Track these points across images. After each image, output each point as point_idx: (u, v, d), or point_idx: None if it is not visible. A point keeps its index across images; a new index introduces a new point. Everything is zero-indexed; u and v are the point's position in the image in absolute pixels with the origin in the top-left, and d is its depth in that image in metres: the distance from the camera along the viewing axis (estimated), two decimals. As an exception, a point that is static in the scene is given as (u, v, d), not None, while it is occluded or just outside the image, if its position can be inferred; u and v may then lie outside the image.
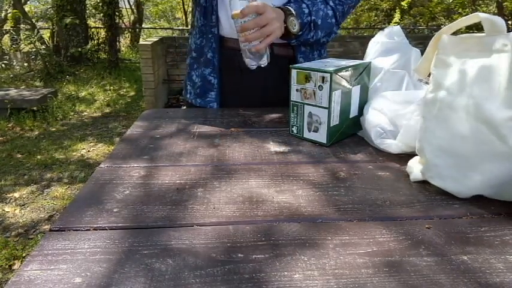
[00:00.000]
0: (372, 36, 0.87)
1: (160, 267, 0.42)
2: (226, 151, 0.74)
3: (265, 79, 1.08)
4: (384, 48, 0.81)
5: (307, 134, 0.78)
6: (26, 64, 6.80)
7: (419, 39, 5.40)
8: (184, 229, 0.48)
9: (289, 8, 0.95)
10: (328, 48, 1.26)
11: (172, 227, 0.49)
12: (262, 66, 0.93)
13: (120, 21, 7.92)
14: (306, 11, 0.97)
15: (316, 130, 0.76)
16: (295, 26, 0.95)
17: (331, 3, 1.02)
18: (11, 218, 2.36)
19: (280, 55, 1.05)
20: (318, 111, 0.74)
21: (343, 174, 0.64)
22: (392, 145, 0.70)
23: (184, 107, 1.28)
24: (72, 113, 4.70)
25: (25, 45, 7.32)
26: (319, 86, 0.72)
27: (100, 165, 0.68)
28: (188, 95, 1.17)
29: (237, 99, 1.10)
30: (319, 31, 1.01)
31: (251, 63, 0.92)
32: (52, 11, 7.25)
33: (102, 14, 7.09)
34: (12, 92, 4.64)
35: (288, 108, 0.80)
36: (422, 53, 0.65)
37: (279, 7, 0.94)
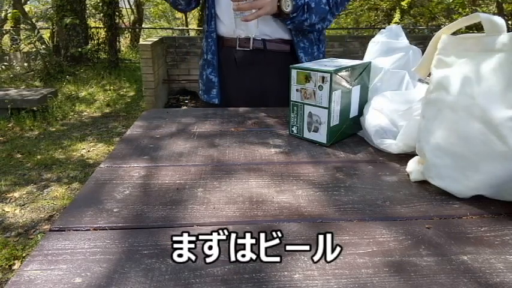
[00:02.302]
0: (372, 36, 0.87)
1: (160, 267, 0.42)
2: (226, 151, 0.74)
3: (262, 73, 1.19)
4: (384, 48, 0.81)
5: (307, 134, 0.78)
6: (26, 64, 6.80)
7: (419, 39, 5.40)
8: (184, 229, 0.48)
9: None
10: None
11: (172, 227, 0.49)
12: (251, 37, 1.12)
13: (120, 21, 7.91)
14: None
15: (316, 130, 0.76)
16: (288, 6, 1.04)
17: None
18: (11, 218, 2.36)
19: (275, 51, 1.16)
20: (318, 111, 0.74)
21: (343, 174, 0.64)
22: (392, 145, 0.70)
23: (185, 107, 1.35)
24: (72, 113, 4.70)
25: (25, 45, 7.31)
26: (319, 86, 0.72)
27: (100, 165, 0.68)
28: (200, 92, 1.31)
29: (237, 92, 1.22)
30: (313, 15, 1.08)
31: (240, 33, 1.12)
32: (52, 11, 7.24)
33: (102, 14, 7.08)
34: (12, 92, 4.63)
35: (288, 108, 0.80)
36: (422, 53, 0.65)
37: None
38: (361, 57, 0.85)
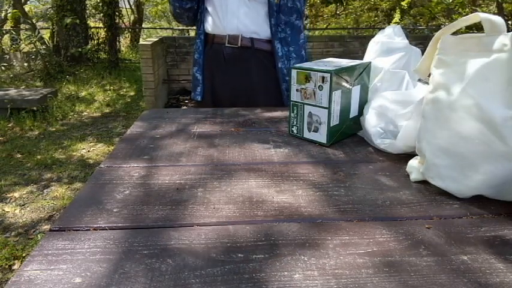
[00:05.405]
0: (372, 36, 0.87)
1: (160, 267, 0.42)
2: (226, 151, 0.74)
3: (248, 71, 1.26)
4: (384, 48, 0.81)
5: (307, 134, 0.78)
6: (26, 64, 6.80)
7: (419, 39, 5.40)
8: (184, 229, 0.48)
9: None
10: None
11: (172, 227, 0.49)
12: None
13: (120, 21, 7.90)
14: None
15: (316, 130, 0.76)
16: None
17: None
18: (11, 218, 2.35)
19: (263, 49, 1.23)
20: (318, 111, 0.74)
21: (343, 174, 0.64)
22: (392, 145, 0.70)
23: (185, 107, 1.38)
24: (72, 113, 4.70)
25: (25, 45, 7.31)
26: (319, 86, 0.72)
27: (100, 165, 0.68)
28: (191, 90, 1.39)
29: (224, 87, 1.30)
30: None
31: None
32: (52, 11, 7.23)
33: (102, 14, 7.07)
34: (12, 92, 4.62)
35: (287, 108, 0.80)
36: (422, 53, 0.65)
37: None
38: (361, 57, 0.85)
